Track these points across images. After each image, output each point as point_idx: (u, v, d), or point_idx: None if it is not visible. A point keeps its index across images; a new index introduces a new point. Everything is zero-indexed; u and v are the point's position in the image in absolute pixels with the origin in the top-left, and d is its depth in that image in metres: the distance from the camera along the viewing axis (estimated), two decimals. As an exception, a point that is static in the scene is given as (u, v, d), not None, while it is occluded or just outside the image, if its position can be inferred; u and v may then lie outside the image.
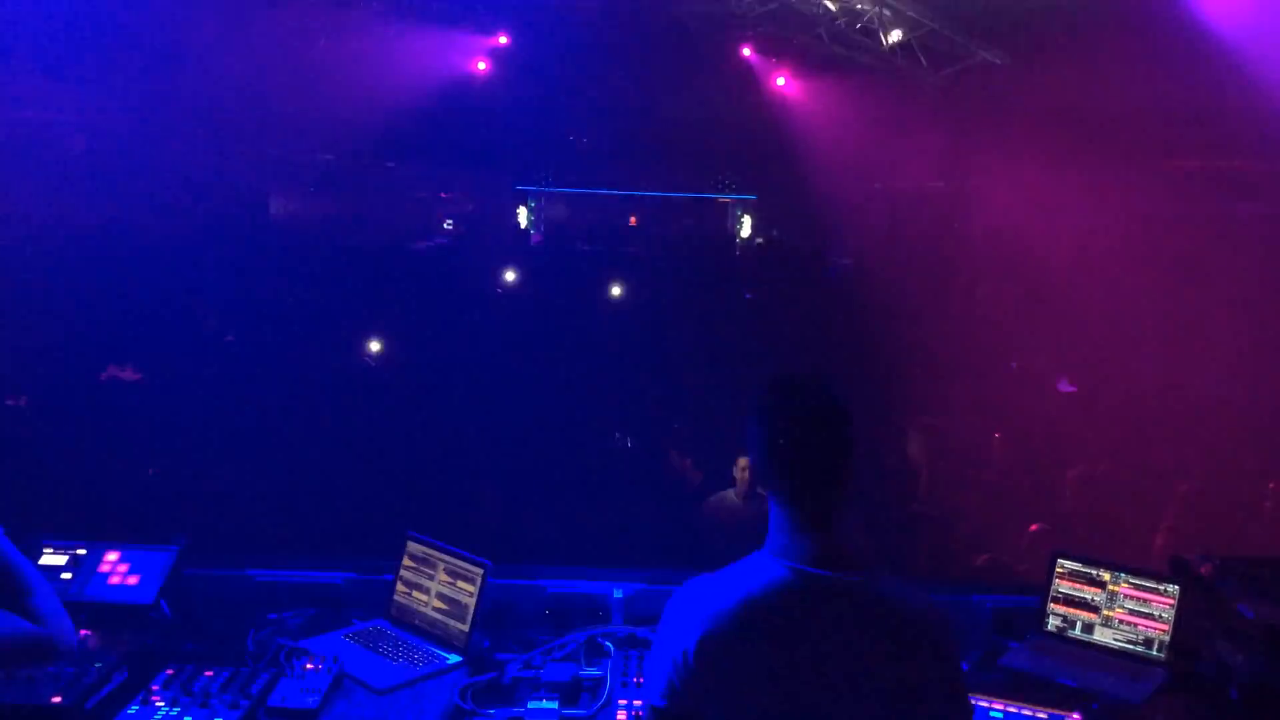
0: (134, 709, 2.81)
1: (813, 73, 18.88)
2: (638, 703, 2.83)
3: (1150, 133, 10.50)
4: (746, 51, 15.51)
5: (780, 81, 18.44)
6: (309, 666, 2.97)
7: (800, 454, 2.12)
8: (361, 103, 14.51)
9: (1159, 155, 9.86)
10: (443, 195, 24.73)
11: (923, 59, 14.60)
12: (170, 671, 2.95)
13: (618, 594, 3.50)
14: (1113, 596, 3.33)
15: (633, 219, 26.82)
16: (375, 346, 9.39)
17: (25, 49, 7.90)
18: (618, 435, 7.39)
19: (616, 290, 13.59)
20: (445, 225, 24.31)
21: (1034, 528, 5.62)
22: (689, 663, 2.02)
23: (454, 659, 3.16)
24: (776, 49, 16.82)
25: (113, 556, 3.37)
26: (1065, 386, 9.31)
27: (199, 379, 8.02)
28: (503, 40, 15.55)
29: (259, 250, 13.69)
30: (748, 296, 14.28)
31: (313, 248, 15.64)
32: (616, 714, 2.82)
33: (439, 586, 3.33)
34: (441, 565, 3.35)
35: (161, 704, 2.82)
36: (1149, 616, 3.26)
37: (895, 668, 1.99)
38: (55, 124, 8.90)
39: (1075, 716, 2.89)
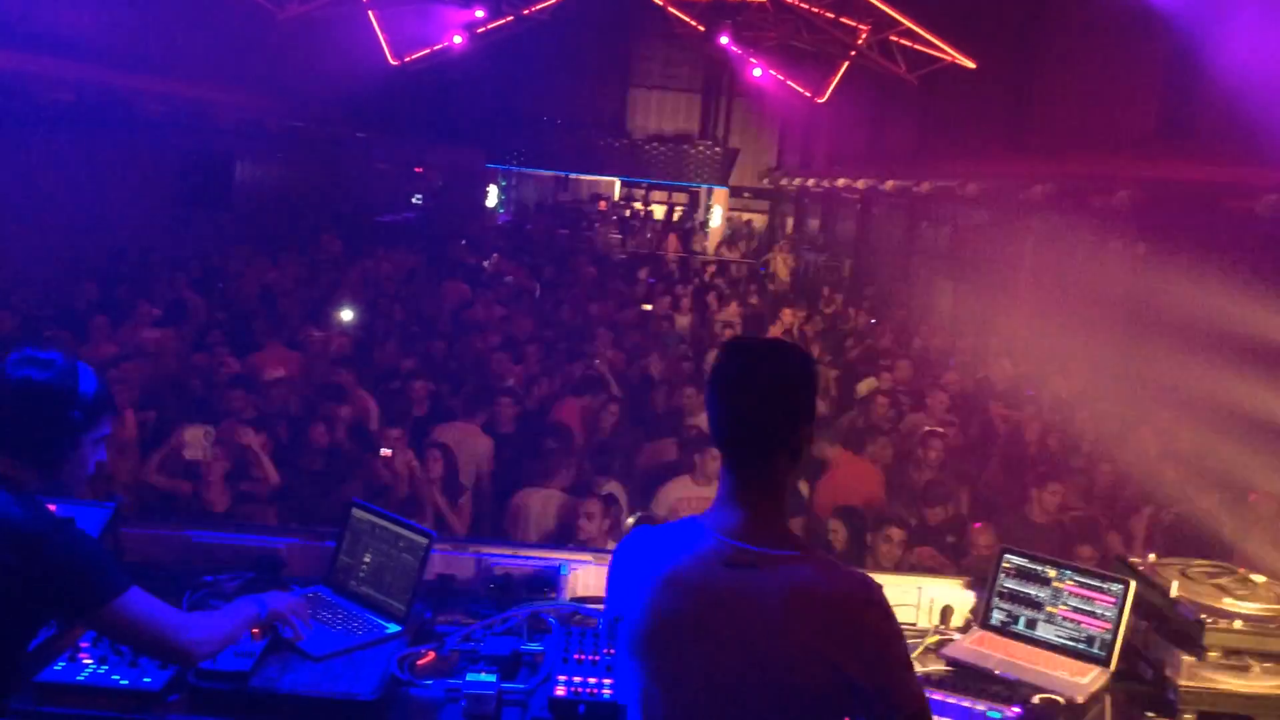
0: (59, 665, 2.74)
1: (789, 65, 18.94)
2: (578, 679, 2.79)
3: (1118, 137, 10.59)
4: (724, 40, 15.43)
5: (756, 73, 18.44)
6: (243, 630, 2.89)
7: (738, 417, 2.05)
8: (333, 70, 14.33)
9: (1128, 160, 9.94)
10: (415, 170, 24.53)
11: (899, 58, 14.67)
12: (100, 629, 2.86)
13: (565, 570, 3.46)
14: (1057, 593, 3.33)
15: (602, 204, 26.72)
16: (346, 315, 9.33)
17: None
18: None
19: None
20: (414, 200, 24.13)
21: (977, 525, 5.69)
22: (621, 628, 2.12)
23: (393, 628, 3.10)
24: (754, 39, 16.80)
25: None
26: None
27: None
28: (479, 14, 15.38)
29: (225, 214, 13.51)
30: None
31: (278, 215, 15.46)
32: (555, 689, 2.78)
33: (381, 555, 3.26)
34: (385, 534, 3.28)
35: (89, 661, 2.75)
36: (1092, 615, 3.27)
37: (813, 646, 1.93)
38: (37, 84, 8.80)
39: (1015, 710, 2.89)
